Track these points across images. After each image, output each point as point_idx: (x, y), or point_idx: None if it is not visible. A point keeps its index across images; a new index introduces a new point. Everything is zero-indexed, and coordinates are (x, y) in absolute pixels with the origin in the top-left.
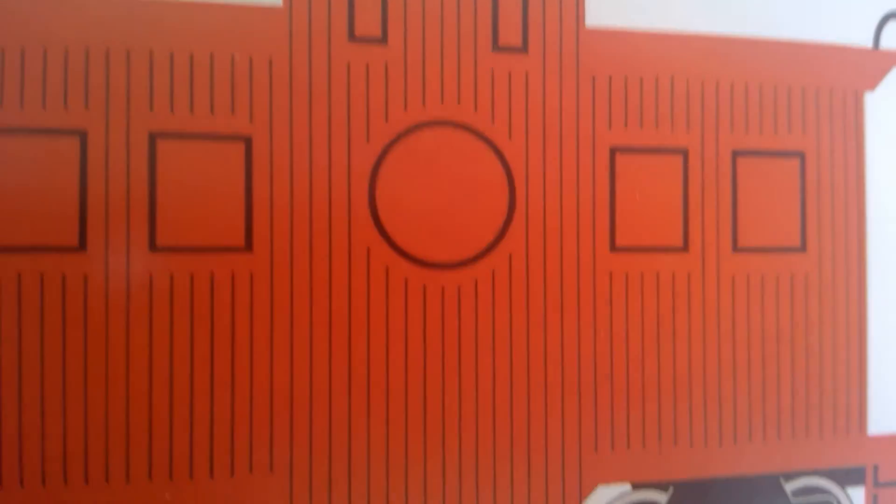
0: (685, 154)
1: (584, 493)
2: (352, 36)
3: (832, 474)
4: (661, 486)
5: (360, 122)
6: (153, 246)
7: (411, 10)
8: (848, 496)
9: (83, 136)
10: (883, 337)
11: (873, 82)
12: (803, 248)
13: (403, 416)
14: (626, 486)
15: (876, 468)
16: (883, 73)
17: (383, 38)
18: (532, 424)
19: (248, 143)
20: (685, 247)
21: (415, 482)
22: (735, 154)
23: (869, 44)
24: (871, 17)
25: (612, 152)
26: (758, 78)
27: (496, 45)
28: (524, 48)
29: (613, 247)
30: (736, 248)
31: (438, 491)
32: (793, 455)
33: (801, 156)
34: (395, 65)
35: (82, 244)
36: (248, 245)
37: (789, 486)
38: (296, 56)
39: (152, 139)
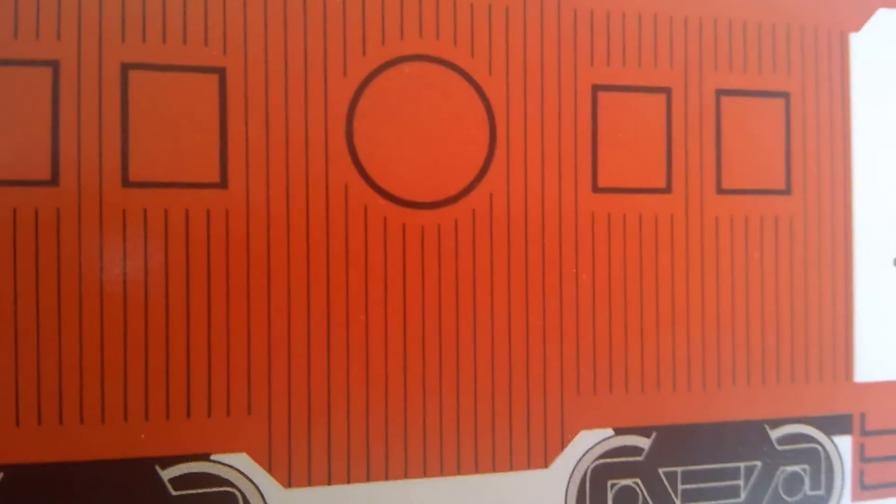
0: (668, 93)
1: (566, 438)
2: None
3: (818, 422)
4: (643, 432)
5: (338, 56)
6: (126, 181)
7: None
8: (834, 444)
9: (55, 67)
10: (870, 283)
11: (858, 24)
12: (788, 190)
13: (383, 357)
14: (609, 431)
15: (863, 416)
16: (867, 14)
17: None
18: (514, 368)
19: (221, 75)
20: (668, 188)
21: (395, 423)
22: (719, 93)
23: None
24: None
25: (595, 90)
26: (742, 16)
27: None
28: None
29: (595, 187)
30: (720, 189)
31: (419, 433)
32: (778, 401)
33: (786, 96)
34: None
35: (55, 178)
36: (224, 181)
37: (774, 434)
38: None
39: (124, 70)
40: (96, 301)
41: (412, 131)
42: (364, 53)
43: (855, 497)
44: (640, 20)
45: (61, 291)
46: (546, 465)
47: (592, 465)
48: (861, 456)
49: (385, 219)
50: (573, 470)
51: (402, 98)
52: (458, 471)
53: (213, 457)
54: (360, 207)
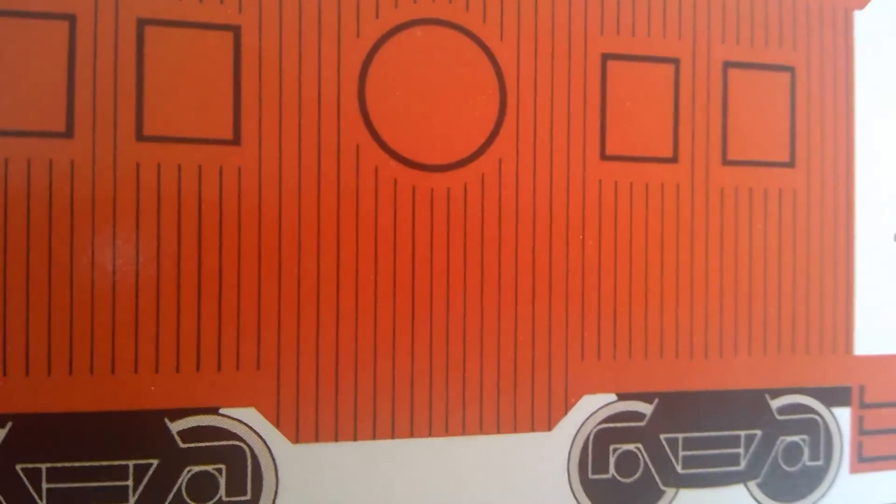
0: (676, 64)
1: (570, 402)
2: None
3: (818, 393)
4: (646, 398)
5: (351, 18)
6: (140, 135)
7: None
8: (833, 416)
9: (72, 20)
10: (870, 257)
11: (862, 2)
12: (792, 163)
13: (391, 317)
14: (612, 397)
15: (862, 388)
16: None
17: None
18: (520, 331)
19: (237, 33)
20: (675, 158)
21: (402, 383)
22: (726, 65)
23: None
24: None
25: (604, 59)
26: None
27: None
28: None
29: (603, 155)
30: (725, 160)
31: (425, 394)
32: (778, 371)
33: (792, 70)
34: None
35: (69, 131)
36: (237, 138)
37: (775, 404)
38: None
39: (140, 25)
40: (108, 253)
41: (423, 94)
42: (377, 16)
43: (854, 469)
44: None
45: (74, 243)
46: (549, 429)
47: (595, 429)
48: (860, 428)
49: (395, 180)
50: (576, 433)
51: (413, 61)
52: (463, 431)
53: (221, 410)
54: (370, 168)
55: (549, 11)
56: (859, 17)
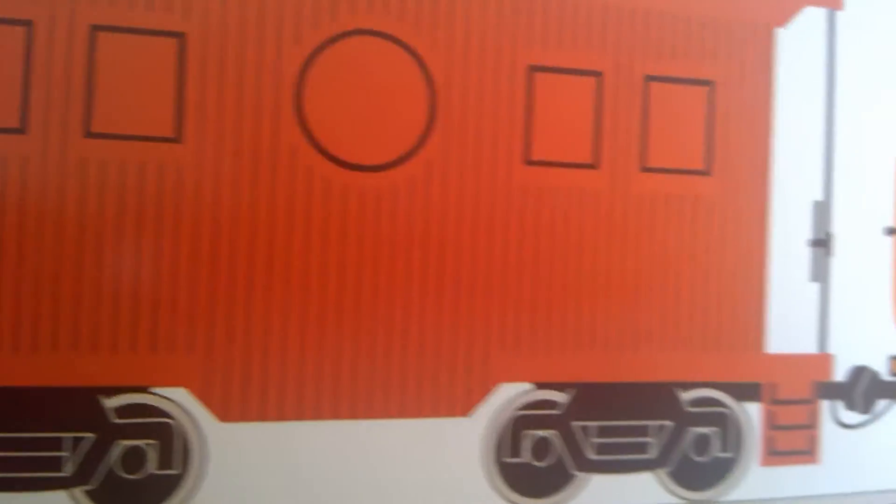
0: (599, 76)
1: (487, 388)
2: None
3: (729, 388)
4: (561, 387)
5: (291, 27)
6: (88, 132)
7: None
8: (744, 409)
9: (30, 26)
10: (785, 261)
11: (783, 19)
12: (709, 171)
13: (320, 306)
14: (529, 385)
15: (773, 386)
16: (793, 10)
17: None
18: (443, 323)
19: (182, 39)
20: (596, 164)
21: (329, 367)
22: (647, 79)
23: None
24: None
25: (531, 70)
26: (673, 8)
27: None
28: None
29: (528, 161)
30: (644, 168)
31: (350, 377)
32: (690, 366)
33: (712, 84)
34: None
35: (23, 127)
36: (178, 138)
37: (686, 396)
38: None
39: (94, 31)
40: (51, 236)
41: (358, 100)
42: (317, 26)
43: (764, 462)
44: (576, 7)
45: (23, 225)
46: (466, 414)
47: (512, 416)
48: (770, 423)
49: (329, 180)
50: (493, 419)
51: (349, 69)
52: (386, 414)
53: (154, 390)
54: (305, 168)
55: (480, 24)
56: (781, 34)
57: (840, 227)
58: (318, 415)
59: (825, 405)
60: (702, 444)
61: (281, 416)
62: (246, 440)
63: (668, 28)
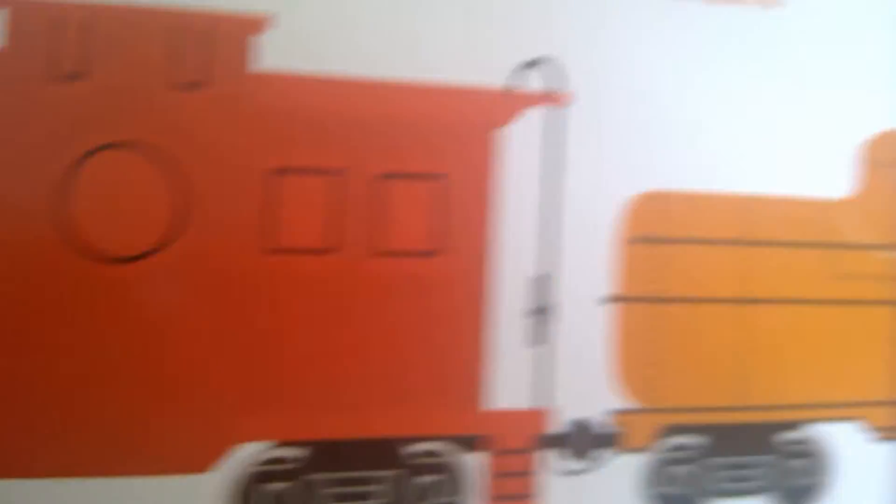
0: (343, 173)
1: (228, 446)
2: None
3: (449, 440)
4: (301, 444)
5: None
6: None
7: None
8: (464, 461)
9: None
10: (504, 330)
11: (506, 120)
12: (435, 253)
13: (73, 375)
14: (270, 443)
15: (489, 438)
16: (514, 113)
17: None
18: (193, 385)
19: None
20: (338, 248)
21: (73, 428)
22: (386, 176)
23: (502, 85)
24: (506, 63)
25: (279, 172)
26: (407, 115)
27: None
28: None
29: (272, 249)
30: (378, 252)
31: (84, 432)
32: (415, 422)
33: (445, 176)
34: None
35: None
36: None
37: (407, 450)
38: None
39: None
40: None
41: (120, 201)
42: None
43: None
44: (323, 116)
45: None
46: (204, 471)
47: (250, 471)
48: (490, 472)
49: (86, 271)
50: (232, 475)
51: (106, 177)
52: (122, 471)
53: None
54: (60, 263)
55: (231, 131)
56: (505, 132)
57: (563, 297)
58: (64, 473)
59: (551, 455)
60: (425, 492)
61: (30, 473)
62: None
63: (404, 132)
